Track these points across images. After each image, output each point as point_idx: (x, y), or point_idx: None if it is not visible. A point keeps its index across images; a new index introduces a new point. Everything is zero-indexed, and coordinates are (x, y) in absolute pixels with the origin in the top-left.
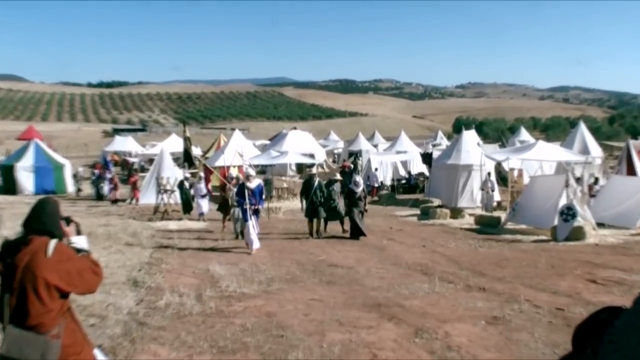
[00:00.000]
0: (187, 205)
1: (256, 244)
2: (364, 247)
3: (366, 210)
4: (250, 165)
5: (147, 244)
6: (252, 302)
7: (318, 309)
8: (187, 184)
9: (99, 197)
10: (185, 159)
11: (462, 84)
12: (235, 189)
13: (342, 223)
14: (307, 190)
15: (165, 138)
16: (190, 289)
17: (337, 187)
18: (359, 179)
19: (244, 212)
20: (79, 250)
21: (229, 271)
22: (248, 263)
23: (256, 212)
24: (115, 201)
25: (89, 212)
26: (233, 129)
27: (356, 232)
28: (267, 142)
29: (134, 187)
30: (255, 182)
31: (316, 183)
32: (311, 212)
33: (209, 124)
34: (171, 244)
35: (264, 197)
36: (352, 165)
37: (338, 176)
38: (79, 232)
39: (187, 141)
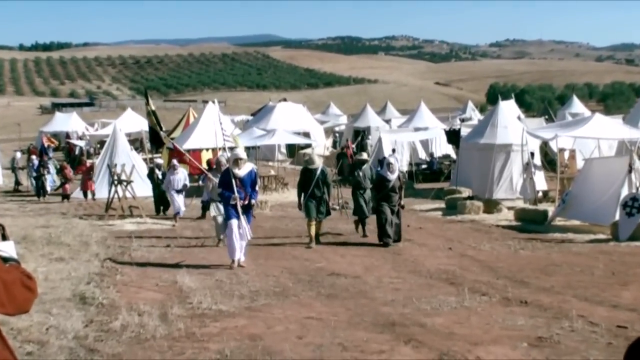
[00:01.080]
0: (161, 201)
1: (238, 255)
2: (373, 251)
3: (403, 207)
4: (231, 145)
5: (98, 250)
6: (231, 321)
7: (315, 330)
8: (158, 173)
9: (40, 192)
10: (152, 140)
11: (498, 42)
12: (215, 179)
13: (363, 223)
14: (305, 181)
15: (119, 114)
16: (153, 306)
17: (367, 170)
18: (393, 160)
19: (231, 209)
20: (5, 260)
21: (202, 283)
22: (226, 273)
23: (247, 210)
24: (66, 197)
25: (23, 211)
26: (205, 101)
27: (384, 235)
28: (249, 117)
29: (87, 177)
30: (245, 168)
31: (319, 171)
32: (312, 209)
33: (175, 95)
34: (129, 250)
35: (257, 188)
36: (354, 148)
37: (365, 155)
38: (4, 237)
39: (153, 116)
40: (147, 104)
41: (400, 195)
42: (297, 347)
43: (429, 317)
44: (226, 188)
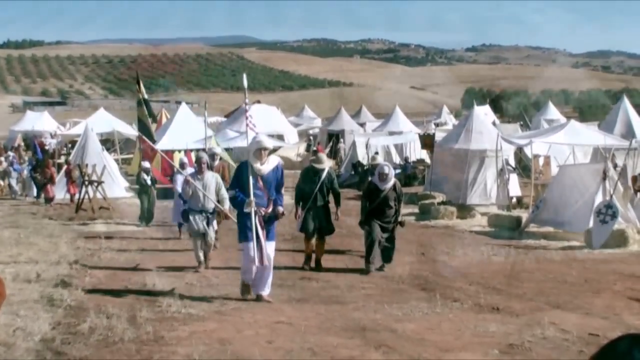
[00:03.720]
0: (149, 211)
1: (263, 289)
2: (345, 256)
3: (401, 224)
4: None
5: (67, 252)
6: (200, 325)
7: (285, 335)
8: (146, 178)
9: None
10: (142, 132)
11: (475, 46)
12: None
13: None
14: (307, 185)
15: (90, 114)
16: (122, 309)
17: (325, 176)
18: (387, 169)
19: (246, 225)
20: None
21: (171, 285)
22: (197, 276)
23: (270, 223)
24: (49, 200)
25: None
26: (178, 102)
27: (366, 260)
28: (223, 119)
29: (70, 180)
30: (270, 163)
31: (324, 174)
32: (310, 224)
33: (148, 95)
34: (98, 252)
35: (283, 191)
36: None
37: (324, 162)
38: None
39: (145, 105)
40: (139, 91)
41: (398, 210)
42: (266, 352)
43: (400, 322)
44: (239, 187)
